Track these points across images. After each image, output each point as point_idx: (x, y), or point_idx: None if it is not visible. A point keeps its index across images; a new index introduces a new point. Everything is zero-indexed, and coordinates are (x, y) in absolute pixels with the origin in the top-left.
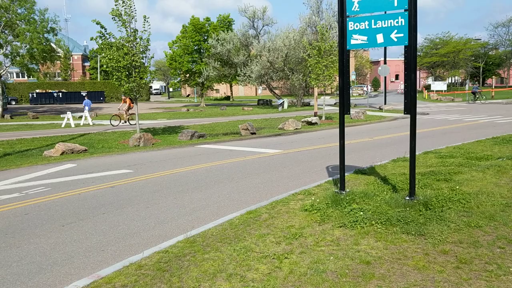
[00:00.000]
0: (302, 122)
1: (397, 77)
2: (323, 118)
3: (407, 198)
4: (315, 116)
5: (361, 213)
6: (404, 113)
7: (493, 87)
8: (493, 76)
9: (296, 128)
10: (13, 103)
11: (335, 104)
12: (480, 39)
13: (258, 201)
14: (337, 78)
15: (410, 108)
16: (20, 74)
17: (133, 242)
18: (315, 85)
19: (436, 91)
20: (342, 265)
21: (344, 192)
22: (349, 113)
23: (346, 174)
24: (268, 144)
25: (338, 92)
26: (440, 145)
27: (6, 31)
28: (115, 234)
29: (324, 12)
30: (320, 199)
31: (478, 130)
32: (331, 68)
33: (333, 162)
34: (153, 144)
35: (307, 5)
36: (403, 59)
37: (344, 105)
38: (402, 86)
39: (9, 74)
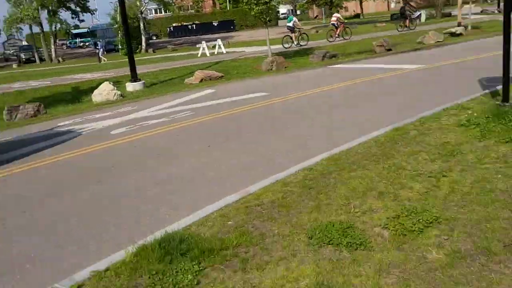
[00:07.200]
0: (445, 34)
1: None
2: (469, 28)
3: None
4: (459, 26)
5: None
6: None
7: None
8: None
9: (438, 41)
10: (154, 38)
11: (481, 12)
12: None
13: (403, 119)
14: None
15: None
16: (158, 10)
17: (280, 161)
18: None
19: None
20: None
21: (508, 104)
22: None
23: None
24: (406, 60)
25: None
26: None
27: None
28: (261, 153)
29: None
30: (478, 113)
31: None
32: None
33: (486, 74)
34: (285, 67)
35: None
36: None
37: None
38: None
39: (148, 11)
